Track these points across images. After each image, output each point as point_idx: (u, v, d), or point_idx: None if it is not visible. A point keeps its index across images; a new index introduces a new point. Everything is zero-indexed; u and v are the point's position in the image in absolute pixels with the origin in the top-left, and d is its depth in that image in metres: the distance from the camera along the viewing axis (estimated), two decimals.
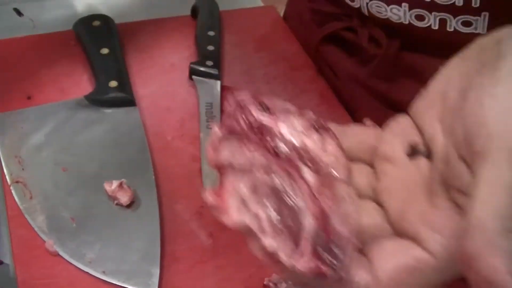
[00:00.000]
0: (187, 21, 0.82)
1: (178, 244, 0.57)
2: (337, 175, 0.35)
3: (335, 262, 0.32)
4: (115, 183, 0.57)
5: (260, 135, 0.35)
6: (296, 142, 0.36)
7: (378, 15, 0.65)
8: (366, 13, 0.66)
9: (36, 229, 0.55)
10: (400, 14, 0.63)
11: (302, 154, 0.35)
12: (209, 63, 0.73)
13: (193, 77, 0.72)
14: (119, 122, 0.66)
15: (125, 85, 0.68)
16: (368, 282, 0.32)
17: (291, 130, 0.36)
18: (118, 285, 0.53)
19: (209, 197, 0.34)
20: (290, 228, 0.32)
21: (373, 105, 0.73)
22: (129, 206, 0.58)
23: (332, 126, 0.38)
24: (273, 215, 0.33)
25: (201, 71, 0.72)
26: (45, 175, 0.60)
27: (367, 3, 0.65)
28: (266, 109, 0.37)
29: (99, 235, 0.56)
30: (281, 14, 0.88)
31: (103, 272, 0.53)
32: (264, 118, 0.36)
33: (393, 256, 0.33)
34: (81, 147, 0.63)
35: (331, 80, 0.77)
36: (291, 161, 0.35)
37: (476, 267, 0.27)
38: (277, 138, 0.35)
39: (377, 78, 0.71)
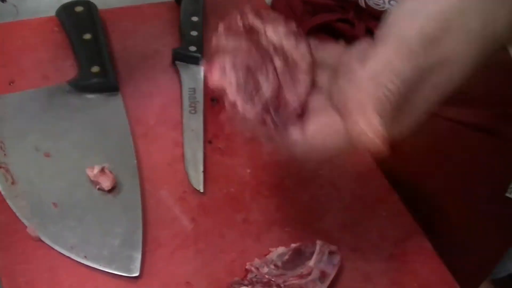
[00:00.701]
0: (171, 7, 0.81)
1: (161, 229, 0.57)
2: (300, 65, 0.47)
3: (278, 118, 0.45)
4: (97, 168, 0.58)
5: (251, 33, 0.48)
6: (276, 42, 0.47)
7: (376, 7, 0.65)
8: (363, 5, 0.66)
9: (18, 214, 0.55)
10: None
11: (278, 49, 0.47)
12: (193, 48, 0.72)
13: (176, 62, 0.72)
14: (102, 107, 0.65)
15: (107, 70, 0.68)
16: (297, 136, 0.44)
17: (275, 33, 0.47)
18: (100, 270, 0.53)
19: (204, 67, 0.44)
20: (252, 92, 0.46)
21: None
22: (111, 191, 0.58)
23: (312, 40, 0.49)
24: (241, 82, 0.46)
25: (184, 56, 0.72)
26: (28, 160, 0.60)
27: None
28: (260, 17, 0.48)
29: (81, 220, 0.56)
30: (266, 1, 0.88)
31: (85, 257, 0.53)
32: (256, 22, 0.48)
33: (318, 120, 0.45)
34: (64, 133, 0.63)
35: None
36: (268, 52, 0.47)
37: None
38: (263, 36, 0.47)
39: None
